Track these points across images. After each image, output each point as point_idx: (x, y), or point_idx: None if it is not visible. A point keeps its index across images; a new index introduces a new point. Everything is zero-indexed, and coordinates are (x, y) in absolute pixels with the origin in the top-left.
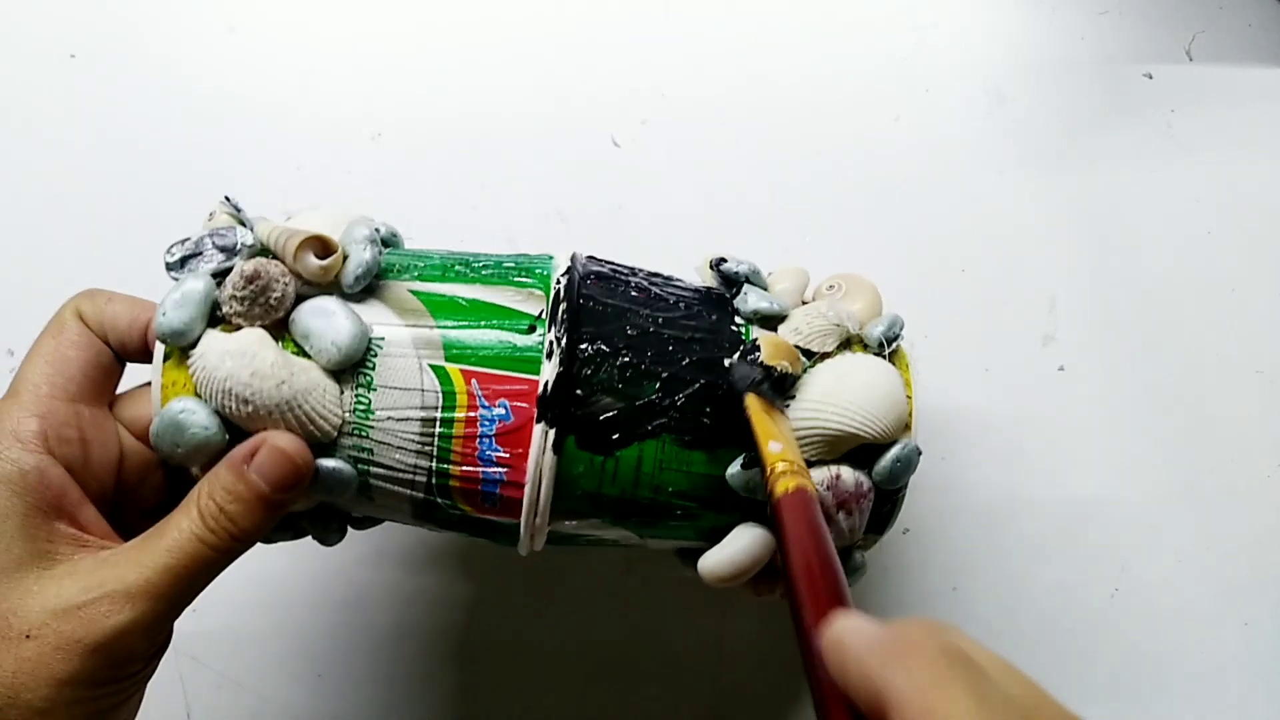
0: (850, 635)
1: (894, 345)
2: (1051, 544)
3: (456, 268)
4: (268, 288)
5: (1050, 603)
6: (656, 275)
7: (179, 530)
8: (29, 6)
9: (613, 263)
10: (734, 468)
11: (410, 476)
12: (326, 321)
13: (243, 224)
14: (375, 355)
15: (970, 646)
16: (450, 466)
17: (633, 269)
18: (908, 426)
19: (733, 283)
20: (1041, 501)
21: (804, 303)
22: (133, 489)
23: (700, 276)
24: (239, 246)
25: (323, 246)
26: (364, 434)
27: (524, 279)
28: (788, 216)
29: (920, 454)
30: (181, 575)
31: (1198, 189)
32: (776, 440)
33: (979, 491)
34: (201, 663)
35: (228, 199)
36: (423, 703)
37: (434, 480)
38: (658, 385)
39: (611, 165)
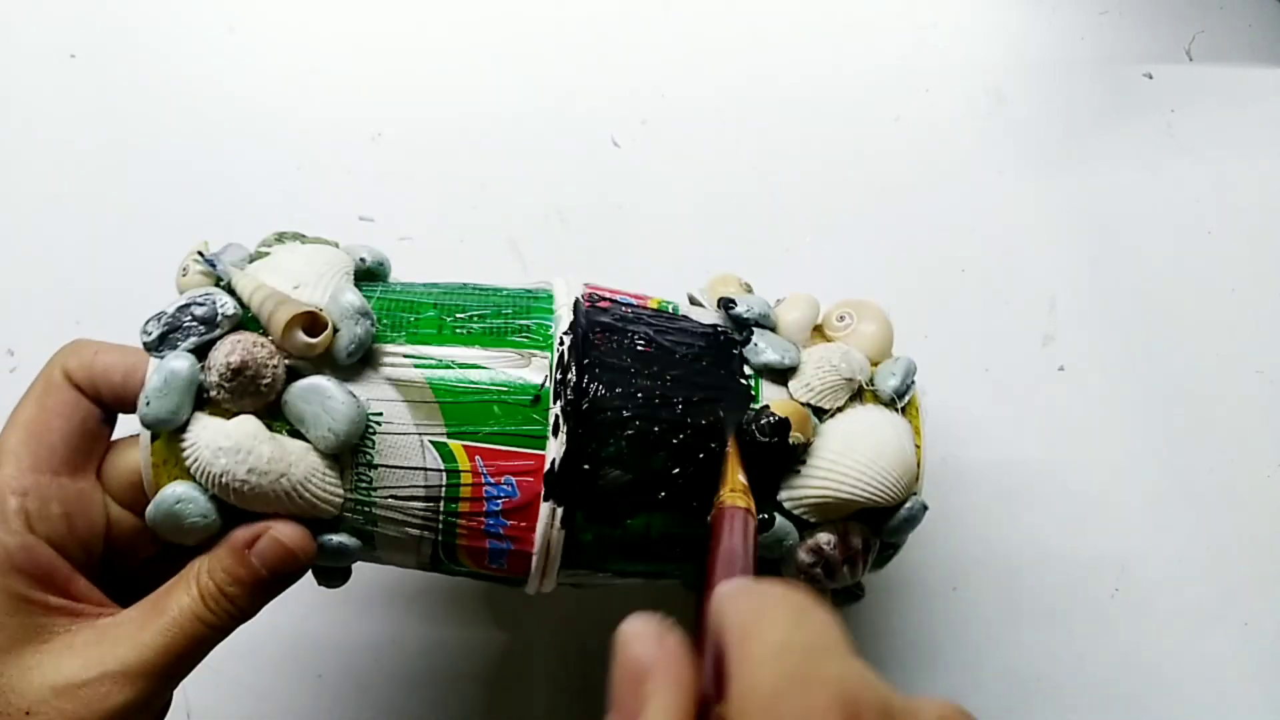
0: (725, 587)
1: (906, 398)
2: (1051, 544)
3: (449, 321)
4: (257, 375)
5: (1050, 603)
6: (661, 314)
7: (179, 608)
8: (29, 6)
9: (616, 302)
10: None
11: (416, 546)
12: (321, 406)
13: (219, 281)
14: (374, 433)
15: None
16: (456, 539)
17: (637, 312)
18: (916, 478)
19: (742, 325)
20: (1042, 501)
21: (815, 328)
22: (125, 550)
23: (703, 300)
24: (219, 318)
25: (311, 320)
26: (367, 510)
27: (523, 338)
28: (788, 216)
29: (926, 509)
30: (181, 654)
31: (1198, 189)
32: (744, 475)
33: (978, 492)
34: (201, 662)
35: (201, 255)
36: (423, 703)
37: (440, 551)
38: (666, 454)
39: (611, 165)
